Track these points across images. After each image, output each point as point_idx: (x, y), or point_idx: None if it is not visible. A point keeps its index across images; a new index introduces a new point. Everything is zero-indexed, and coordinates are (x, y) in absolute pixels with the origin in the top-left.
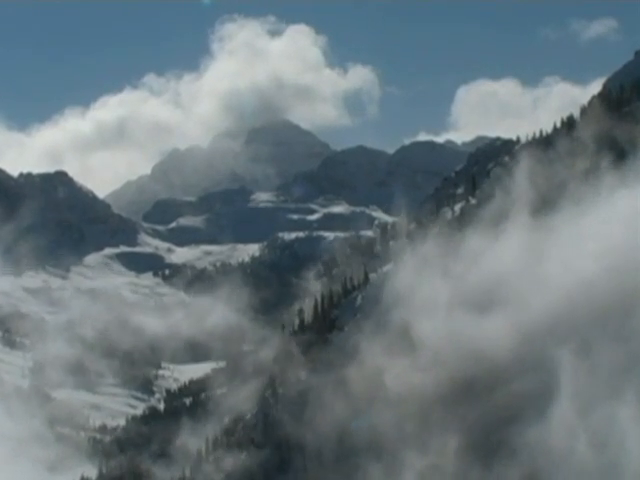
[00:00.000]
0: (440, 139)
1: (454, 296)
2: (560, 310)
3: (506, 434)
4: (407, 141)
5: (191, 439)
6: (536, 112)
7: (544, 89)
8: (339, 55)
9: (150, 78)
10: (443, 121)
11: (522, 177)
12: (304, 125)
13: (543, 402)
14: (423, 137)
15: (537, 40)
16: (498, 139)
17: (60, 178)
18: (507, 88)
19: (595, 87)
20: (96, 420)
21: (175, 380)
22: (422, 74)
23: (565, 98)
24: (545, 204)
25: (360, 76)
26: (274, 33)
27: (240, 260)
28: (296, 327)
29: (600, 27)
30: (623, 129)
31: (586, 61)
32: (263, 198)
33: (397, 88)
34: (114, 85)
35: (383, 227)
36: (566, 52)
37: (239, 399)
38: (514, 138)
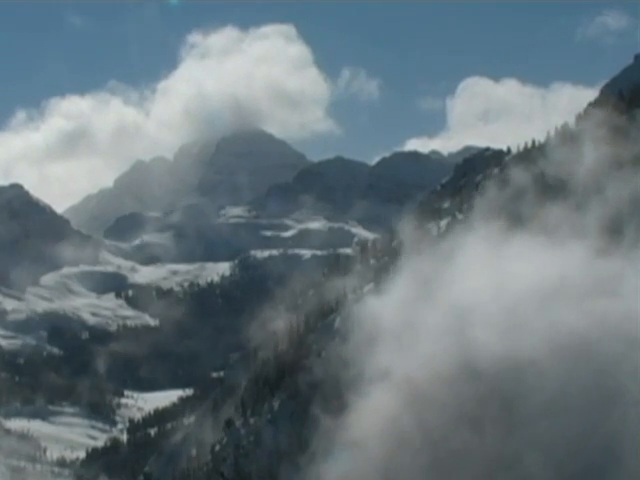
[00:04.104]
0: (427, 149)
1: (440, 319)
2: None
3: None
4: (397, 150)
5: (156, 472)
6: (538, 114)
7: (546, 90)
8: (323, 58)
9: (113, 83)
10: (438, 127)
11: (512, 190)
12: (278, 134)
13: None
14: (412, 146)
15: (540, 38)
16: (487, 149)
17: (15, 191)
18: (507, 88)
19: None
20: (54, 452)
21: (139, 409)
22: (417, 77)
23: (570, 99)
24: (537, 219)
25: (346, 80)
26: (248, 34)
27: (209, 280)
28: (270, 351)
29: (608, 22)
30: (622, 137)
31: (592, 59)
32: (234, 213)
33: (388, 92)
34: (74, 91)
35: (363, 244)
36: (570, 50)
37: (208, 429)
38: (504, 148)
